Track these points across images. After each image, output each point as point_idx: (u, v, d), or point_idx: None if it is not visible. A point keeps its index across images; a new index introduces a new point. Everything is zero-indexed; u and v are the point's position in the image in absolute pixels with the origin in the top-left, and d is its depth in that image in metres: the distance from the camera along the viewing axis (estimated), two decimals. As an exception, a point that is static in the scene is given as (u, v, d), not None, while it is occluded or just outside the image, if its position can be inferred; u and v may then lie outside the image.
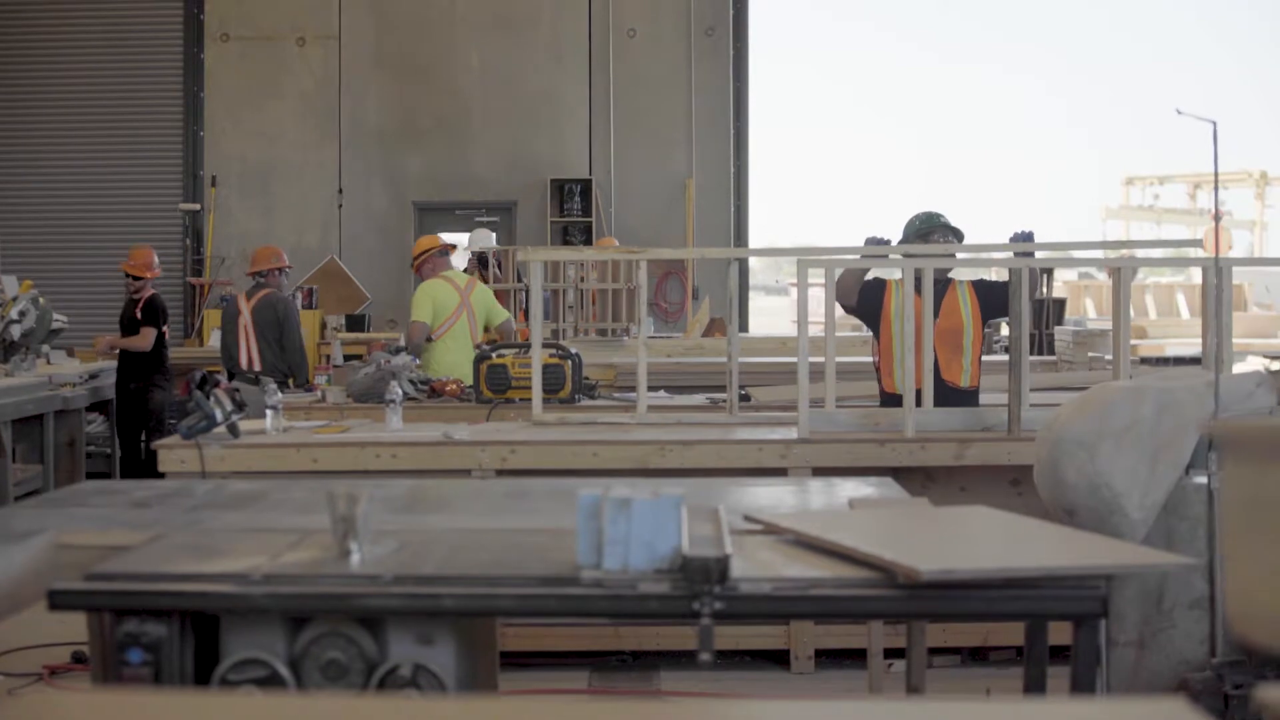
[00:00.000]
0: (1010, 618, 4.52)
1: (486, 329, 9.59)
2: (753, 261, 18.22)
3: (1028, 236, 7.02)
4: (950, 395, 6.95)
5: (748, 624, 5.86)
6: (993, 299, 7.18)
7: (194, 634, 3.27)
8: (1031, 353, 11.10)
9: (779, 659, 6.29)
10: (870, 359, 7.64)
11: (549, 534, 3.57)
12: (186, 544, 3.58)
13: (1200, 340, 6.18)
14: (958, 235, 7.30)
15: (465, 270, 12.09)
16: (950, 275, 7.36)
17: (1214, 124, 4.32)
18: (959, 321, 7.13)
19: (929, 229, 7.26)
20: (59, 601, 3.26)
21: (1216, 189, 4.34)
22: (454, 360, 9.20)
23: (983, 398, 7.11)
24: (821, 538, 3.41)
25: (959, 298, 7.21)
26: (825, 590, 3.16)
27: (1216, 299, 5.21)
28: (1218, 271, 5.09)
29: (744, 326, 16.99)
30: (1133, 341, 17.19)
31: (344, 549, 3.34)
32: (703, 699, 5.35)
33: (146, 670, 3.21)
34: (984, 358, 7.33)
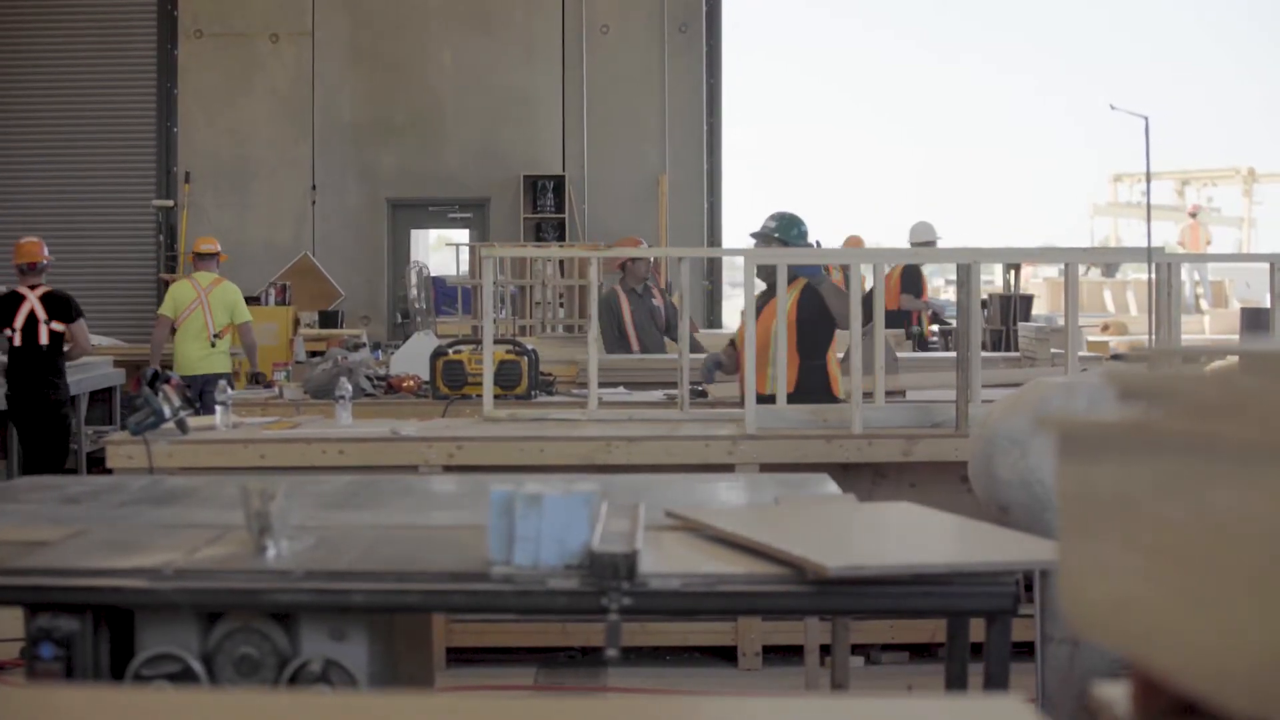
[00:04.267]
0: (920, 614, 4.54)
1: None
2: (736, 259, 18.21)
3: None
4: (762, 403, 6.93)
5: (659, 620, 5.86)
6: (809, 302, 7.12)
7: (109, 629, 3.28)
8: (997, 349, 11.11)
9: (728, 655, 6.30)
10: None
11: (471, 530, 3.57)
12: (106, 539, 3.59)
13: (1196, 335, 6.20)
14: (785, 243, 7.34)
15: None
16: (795, 277, 7.27)
17: (1145, 119, 4.33)
18: (768, 329, 7.11)
19: (756, 234, 7.51)
20: (-30, 597, 3.27)
21: (1149, 184, 4.36)
22: (187, 345, 11.22)
23: (934, 394, 7.12)
24: (738, 534, 3.42)
25: (779, 305, 7.18)
26: (734, 586, 3.17)
27: (1157, 293, 5.23)
28: (1153, 267, 5.11)
29: (717, 323, 17.00)
30: (1113, 338, 17.26)
31: (259, 545, 3.34)
32: (624, 694, 5.36)
33: (58, 665, 3.21)
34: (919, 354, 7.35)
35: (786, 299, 6.91)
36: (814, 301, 7.14)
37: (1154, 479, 1.47)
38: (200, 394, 10.07)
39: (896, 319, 12.75)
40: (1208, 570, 1.40)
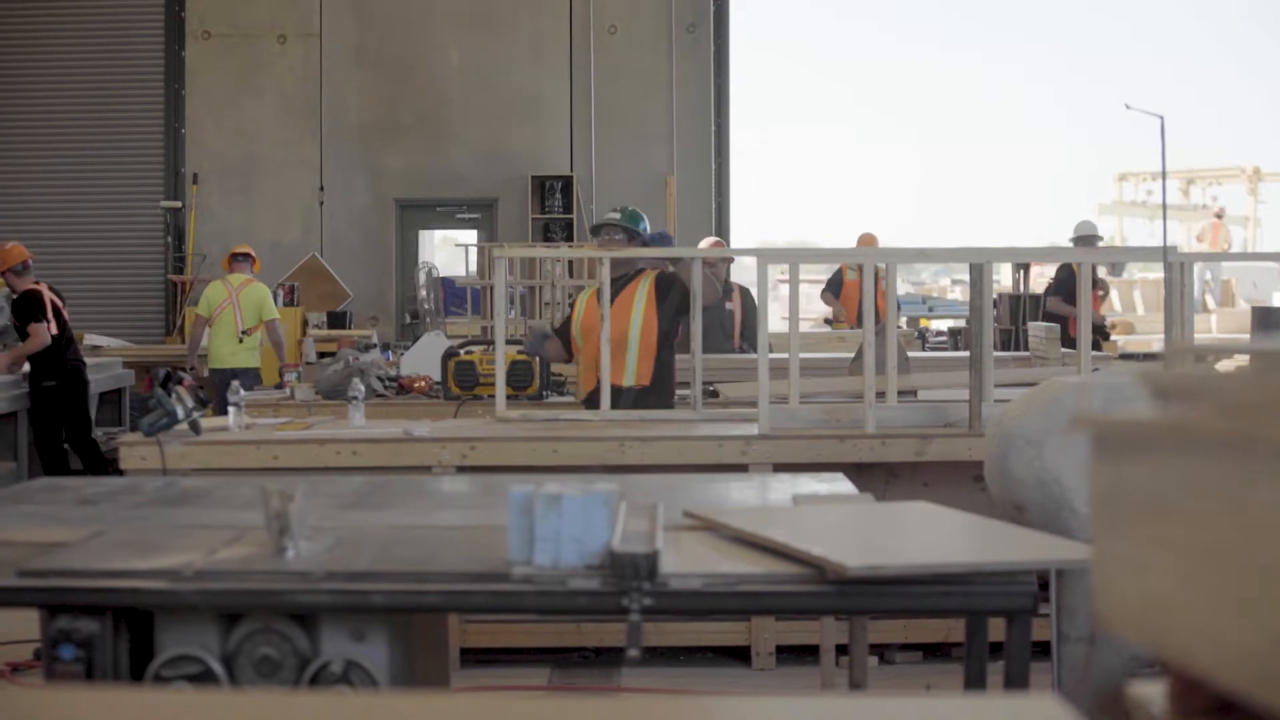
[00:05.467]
0: (940, 613, 4.54)
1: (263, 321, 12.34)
2: (745, 260, 18.27)
3: (662, 238, 7.18)
4: (614, 394, 6.93)
5: (680, 620, 5.87)
6: (666, 291, 7.10)
7: (129, 630, 3.27)
8: (1006, 348, 11.09)
9: (741, 655, 6.30)
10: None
11: (488, 530, 3.57)
12: (124, 540, 3.58)
13: (1204, 334, 6.18)
14: (630, 234, 7.33)
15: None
16: (644, 267, 7.31)
17: (1161, 119, 4.32)
18: (627, 320, 7.15)
19: (600, 225, 7.47)
20: (-9, 598, 3.27)
21: (1165, 182, 4.35)
22: (218, 341, 12.13)
23: (945, 394, 7.11)
24: (757, 534, 3.41)
25: (635, 296, 7.21)
26: (755, 586, 3.16)
27: (1169, 292, 5.22)
28: (1168, 265, 5.10)
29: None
30: (1121, 337, 17.24)
31: (278, 546, 3.33)
32: (640, 695, 5.35)
33: (78, 667, 3.21)
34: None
35: (642, 289, 7.11)
36: (668, 289, 7.15)
37: (1190, 478, 1.46)
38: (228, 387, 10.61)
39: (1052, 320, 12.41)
40: (1245, 568, 1.40)
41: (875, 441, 6.23)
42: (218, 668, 3.23)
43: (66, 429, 10.70)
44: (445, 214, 17.35)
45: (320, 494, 4.28)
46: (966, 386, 6.53)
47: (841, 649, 5.26)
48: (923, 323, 15.98)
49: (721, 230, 16.92)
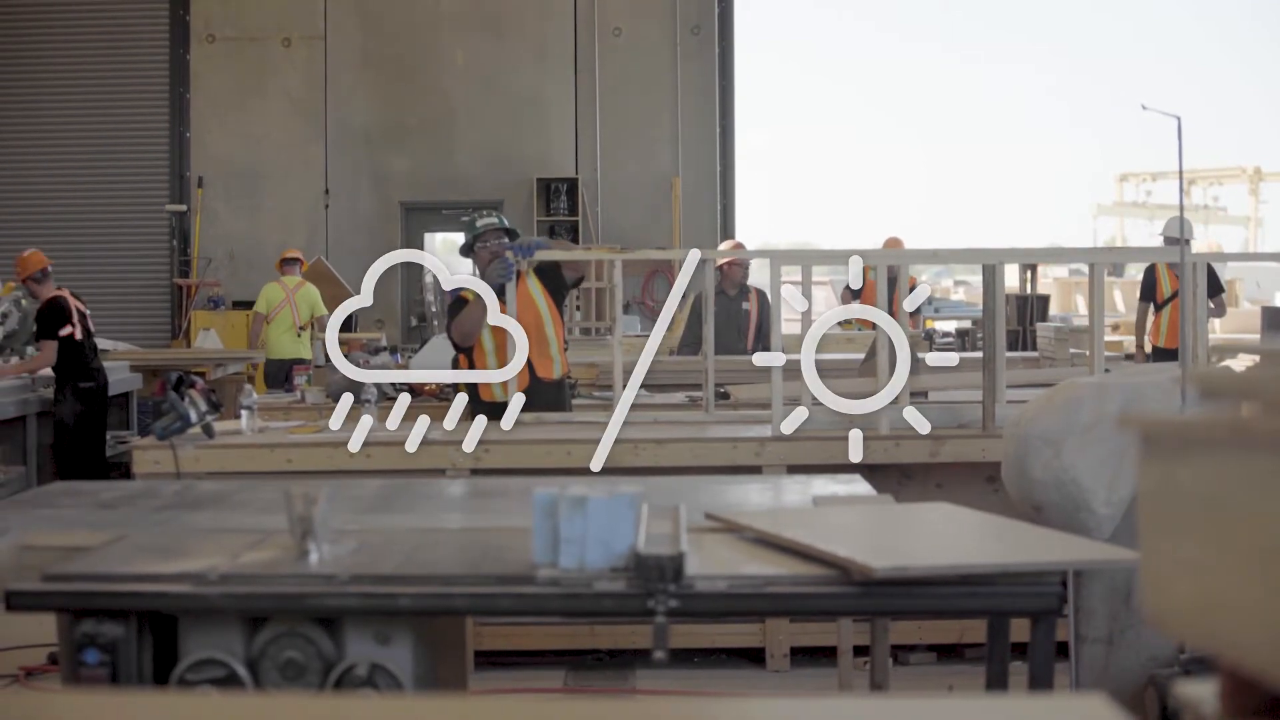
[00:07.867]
0: (965, 614, 4.54)
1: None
2: (751, 261, 18.22)
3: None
4: (545, 389, 7.05)
5: (705, 622, 5.86)
6: (547, 277, 7.21)
7: (153, 634, 3.27)
8: (1015, 349, 11.08)
9: (755, 657, 6.29)
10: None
11: (510, 533, 3.56)
12: (147, 545, 3.58)
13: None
14: (511, 235, 7.29)
15: None
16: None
17: (1178, 119, 4.33)
18: (536, 313, 7.14)
19: (479, 233, 7.37)
20: (16, 602, 3.27)
21: (1181, 183, 4.35)
22: (276, 335, 13.79)
23: (959, 394, 7.10)
24: (780, 535, 3.41)
25: (530, 289, 7.20)
26: (780, 588, 3.16)
27: (1183, 291, 5.22)
28: (1184, 266, 5.11)
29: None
30: (1125, 337, 17.20)
31: (302, 549, 3.33)
32: (657, 696, 5.35)
33: (103, 671, 3.21)
34: (933, 355, 7.34)
35: (531, 282, 7.17)
36: (550, 277, 7.25)
37: (1243, 477, 1.46)
38: (287, 375, 11.73)
39: None
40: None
41: (889, 443, 6.23)
42: (242, 671, 3.23)
43: (90, 434, 10.63)
44: (450, 217, 17.35)
45: (339, 497, 4.28)
46: (976, 387, 6.53)
47: (857, 650, 5.26)
48: (928, 324, 15.96)
49: (727, 232, 16.93)
